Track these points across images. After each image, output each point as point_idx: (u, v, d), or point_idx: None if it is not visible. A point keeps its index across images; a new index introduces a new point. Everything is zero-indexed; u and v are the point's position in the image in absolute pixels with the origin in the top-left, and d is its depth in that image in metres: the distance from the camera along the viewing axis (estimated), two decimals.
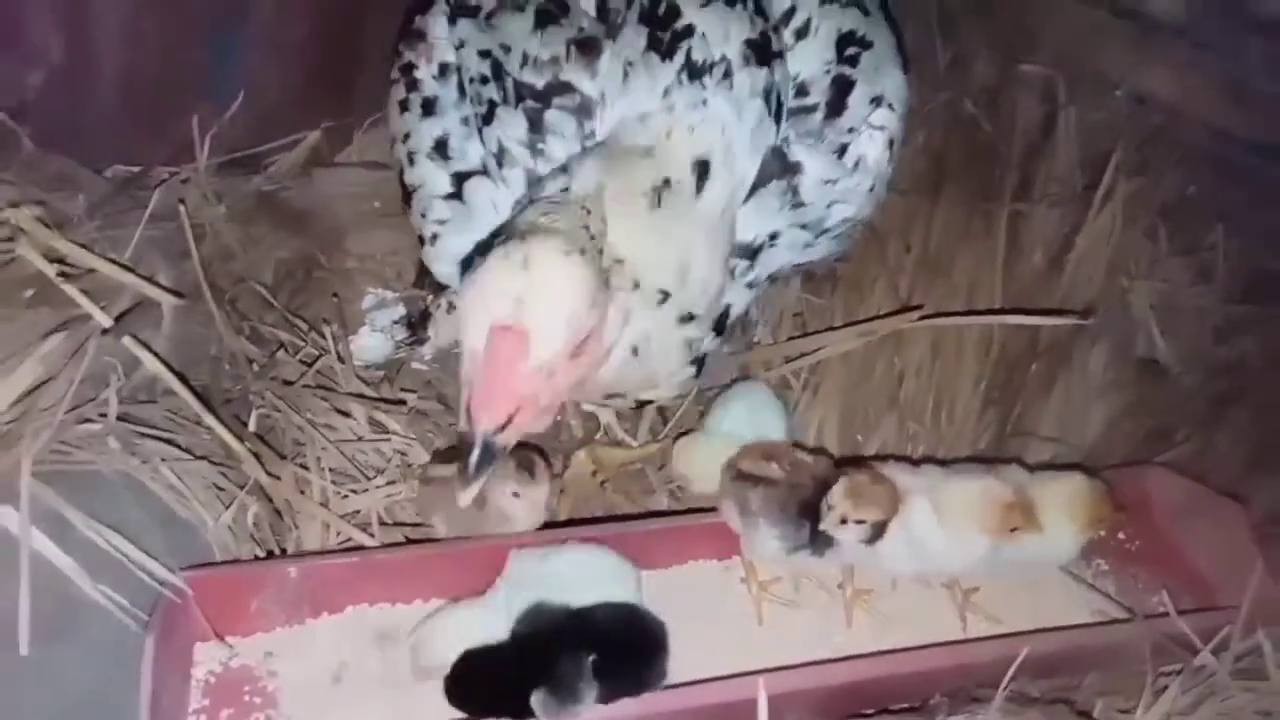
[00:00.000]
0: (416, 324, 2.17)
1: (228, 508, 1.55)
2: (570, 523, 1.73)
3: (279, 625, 1.49)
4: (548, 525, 1.62)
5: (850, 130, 1.41)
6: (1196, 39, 2.20)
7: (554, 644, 1.34)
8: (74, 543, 1.35)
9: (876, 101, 1.44)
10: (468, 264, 1.44)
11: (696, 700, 1.35)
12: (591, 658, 1.31)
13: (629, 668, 1.35)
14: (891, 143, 1.46)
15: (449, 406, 2.02)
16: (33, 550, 1.30)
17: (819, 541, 1.50)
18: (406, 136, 1.53)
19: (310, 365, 1.82)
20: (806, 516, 1.50)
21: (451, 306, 2.23)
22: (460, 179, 1.43)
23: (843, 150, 1.41)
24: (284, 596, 1.48)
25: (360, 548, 1.60)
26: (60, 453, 1.43)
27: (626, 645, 1.37)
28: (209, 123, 1.99)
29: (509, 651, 1.36)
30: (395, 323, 2.17)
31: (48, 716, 1.29)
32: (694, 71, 1.31)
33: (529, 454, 1.57)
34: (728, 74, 1.32)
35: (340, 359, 1.87)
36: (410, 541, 1.64)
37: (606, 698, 1.32)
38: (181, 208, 1.72)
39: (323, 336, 1.91)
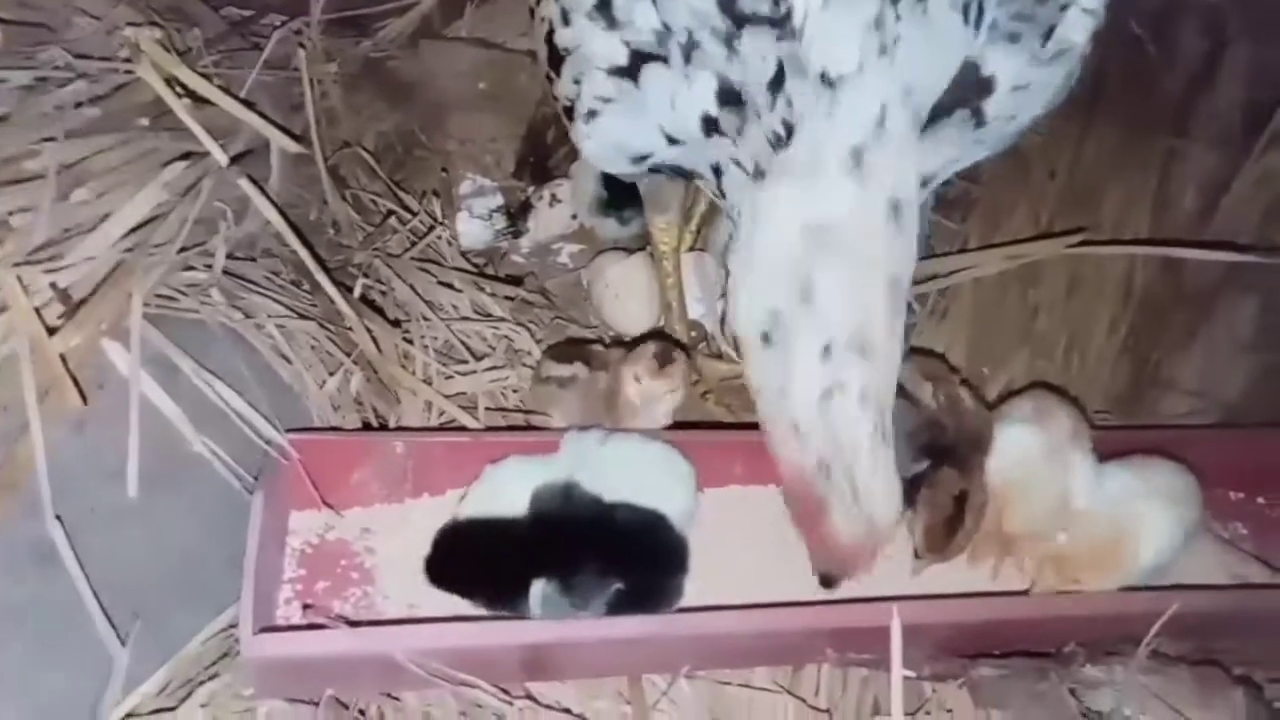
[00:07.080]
0: (516, 214, 2.07)
1: (332, 374, 1.47)
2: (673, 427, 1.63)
3: (378, 501, 1.42)
4: None
5: (1062, 8, 1.25)
6: None
7: (573, 536, 1.23)
8: (180, 392, 1.27)
9: None
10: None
11: (822, 621, 1.26)
12: (617, 586, 1.19)
13: (647, 580, 1.24)
14: (1096, 32, 1.30)
15: (551, 301, 1.92)
16: (141, 394, 1.22)
17: None
18: None
19: (420, 239, 1.72)
20: (923, 456, 1.38)
21: (555, 200, 2.12)
22: (638, 59, 1.23)
23: (1049, 33, 1.25)
24: (387, 472, 1.41)
25: (463, 429, 1.52)
26: (165, 298, 1.35)
27: (647, 556, 1.25)
28: None
29: (519, 531, 1.24)
30: (494, 211, 2.06)
31: (148, 563, 1.23)
32: None
33: (669, 347, 1.47)
34: None
35: (449, 237, 1.77)
36: (515, 428, 1.55)
37: (611, 613, 1.20)
38: (301, 52, 1.61)
39: (429, 213, 1.81)
